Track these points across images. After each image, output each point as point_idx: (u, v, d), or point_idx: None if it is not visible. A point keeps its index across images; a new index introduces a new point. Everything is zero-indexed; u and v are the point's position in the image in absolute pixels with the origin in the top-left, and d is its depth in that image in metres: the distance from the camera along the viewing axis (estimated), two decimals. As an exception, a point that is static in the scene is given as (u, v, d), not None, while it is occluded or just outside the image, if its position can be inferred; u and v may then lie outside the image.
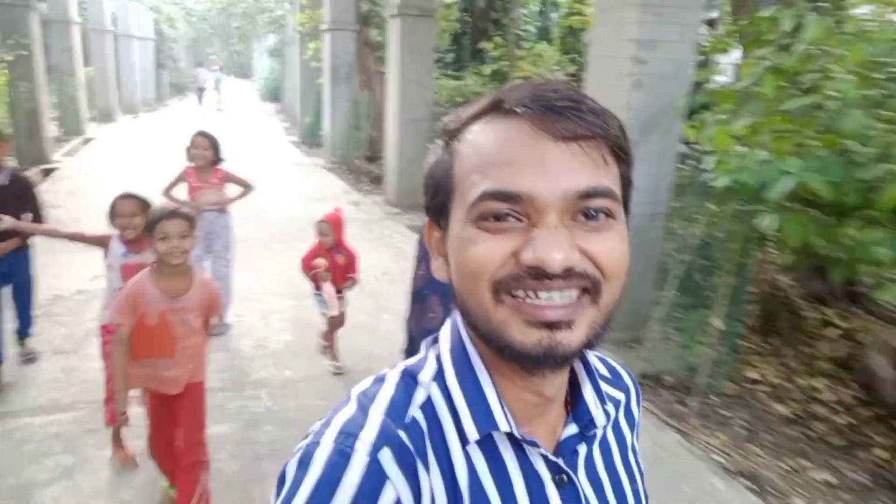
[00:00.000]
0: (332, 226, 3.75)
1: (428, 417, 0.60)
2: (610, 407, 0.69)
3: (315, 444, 0.56)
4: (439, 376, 0.62)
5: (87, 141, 13.23)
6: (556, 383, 0.62)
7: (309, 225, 7.13)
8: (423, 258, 1.97)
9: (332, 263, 3.77)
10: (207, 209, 4.13)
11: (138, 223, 2.78)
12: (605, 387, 0.70)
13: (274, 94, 26.86)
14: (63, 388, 3.47)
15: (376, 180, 10.16)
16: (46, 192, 8.36)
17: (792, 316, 4.85)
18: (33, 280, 3.89)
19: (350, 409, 0.59)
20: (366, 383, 0.64)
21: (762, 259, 4.99)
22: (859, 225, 2.67)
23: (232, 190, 4.33)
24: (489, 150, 0.56)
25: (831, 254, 2.99)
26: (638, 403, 0.78)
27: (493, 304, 0.55)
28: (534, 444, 0.60)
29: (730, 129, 3.37)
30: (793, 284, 5.19)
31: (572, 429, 0.65)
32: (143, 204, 2.83)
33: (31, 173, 8.27)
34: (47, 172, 9.57)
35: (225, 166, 4.28)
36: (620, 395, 0.74)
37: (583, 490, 0.64)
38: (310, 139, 14.63)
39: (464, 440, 0.59)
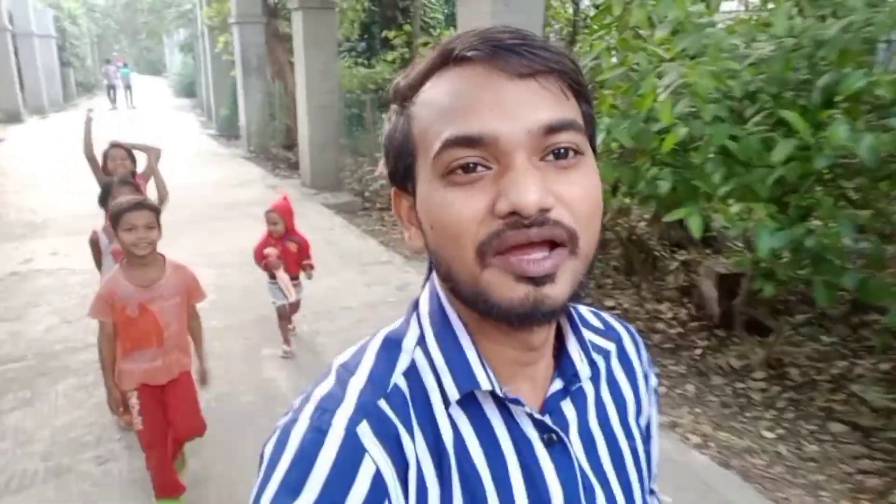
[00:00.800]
0: (281, 214, 3.76)
1: (411, 383, 0.59)
2: (598, 358, 0.68)
3: (293, 421, 0.56)
4: (422, 341, 0.61)
5: (-4, 142, 13.05)
6: (542, 335, 0.60)
7: (228, 207, 7.68)
8: None
9: (284, 251, 3.78)
10: None
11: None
12: (591, 336, 0.69)
13: (188, 89, 26.50)
14: (12, 345, 3.95)
15: (294, 166, 10.64)
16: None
17: (647, 257, 5.77)
18: None
19: (329, 384, 0.59)
20: (347, 354, 0.63)
21: (627, 210, 5.88)
22: (649, 166, 3.49)
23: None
24: (444, 99, 0.54)
25: (646, 193, 3.82)
26: (639, 353, 0.76)
27: (479, 268, 0.53)
28: (517, 403, 0.59)
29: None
30: (649, 233, 6.13)
31: (557, 384, 0.64)
32: (135, 185, 3.07)
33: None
34: (-42, 174, 9.58)
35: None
36: (609, 345, 0.72)
37: (573, 449, 0.63)
38: (227, 131, 14.85)
39: (447, 402, 0.58)
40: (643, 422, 0.74)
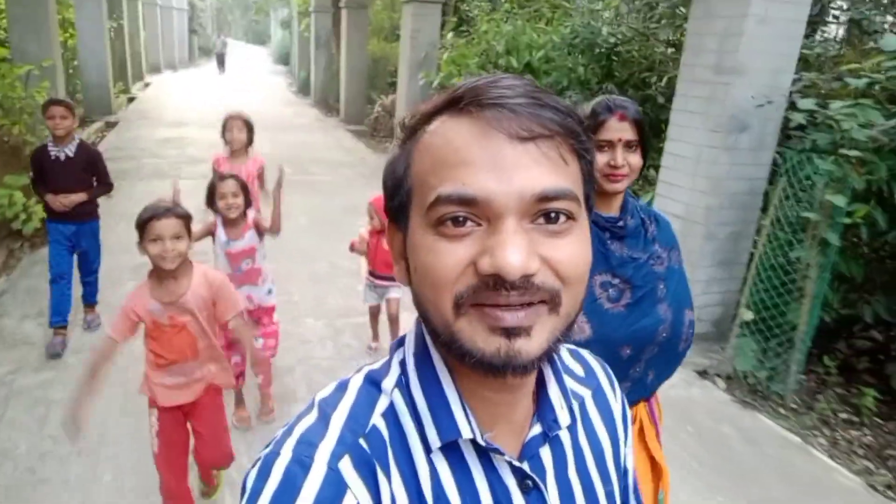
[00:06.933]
0: (376, 209, 3.56)
1: (390, 425, 0.60)
2: (575, 404, 0.69)
3: (275, 454, 0.56)
4: (402, 383, 0.62)
5: (147, 84, 18.97)
6: (521, 382, 0.61)
7: (290, 125, 12.74)
8: None
9: (377, 248, 3.62)
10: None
11: (238, 203, 2.88)
12: (570, 384, 0.70)
13: (284, 58, 32.12)
14: (179, 155, 9.08)
15: (339, 111, 15.72)
16: (136, 108, 14.05)
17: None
18: (100, 250, 4.01)
19: (311, 418, 0.60)
20: (328, 390, 0.64)
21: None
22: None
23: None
24: (444, 150, 0.54)
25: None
26: (614, 393, 0.77)
27: (453, 315, 0.54)
28: (498, 452, 0.60)
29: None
30: None
31: (536, 429, 0.64)
32: (242, 183, 2.93)
33: (122, 100, 13.91)
34: (131, 100, 15.15)
35: (259, 155, 4.07)
36: (585, 392, 0.73)
37: (549, 497, 0.64)
38: (304, 89, 20.22)
39: (427, 448, 0.59)
40: (621, 462, 0.75)
